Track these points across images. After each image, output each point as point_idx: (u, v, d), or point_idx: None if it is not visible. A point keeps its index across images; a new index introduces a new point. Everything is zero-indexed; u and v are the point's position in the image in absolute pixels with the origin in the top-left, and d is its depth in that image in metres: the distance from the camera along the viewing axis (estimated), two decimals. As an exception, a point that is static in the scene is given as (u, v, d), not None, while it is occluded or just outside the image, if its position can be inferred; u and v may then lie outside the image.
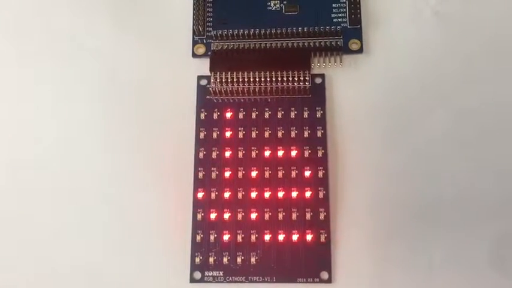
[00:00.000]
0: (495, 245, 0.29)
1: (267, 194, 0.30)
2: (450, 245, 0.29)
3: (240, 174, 0.31)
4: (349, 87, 0.32)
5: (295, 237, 0.29)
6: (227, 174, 0.31)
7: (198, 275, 0.30)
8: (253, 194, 0.30)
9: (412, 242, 0.30)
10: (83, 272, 0.30)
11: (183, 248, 0.30)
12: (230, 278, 0.29)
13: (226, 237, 0.30)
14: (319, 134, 0.31)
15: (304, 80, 0.31)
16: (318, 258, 0.29)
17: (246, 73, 0.31)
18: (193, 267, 0.30)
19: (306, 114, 0.31)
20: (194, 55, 0.33)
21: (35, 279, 0.30)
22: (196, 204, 0.30)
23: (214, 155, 0.31)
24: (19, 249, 0.31)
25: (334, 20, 0.33)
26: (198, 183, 0.31)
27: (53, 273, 0.30)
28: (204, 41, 0.33)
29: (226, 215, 0.30)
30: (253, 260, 0.29)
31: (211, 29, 0.33)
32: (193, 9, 0.34)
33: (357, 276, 0.29)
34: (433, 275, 0.29)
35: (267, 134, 0.31)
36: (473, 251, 0.29)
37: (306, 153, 0.31)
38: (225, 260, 0.30)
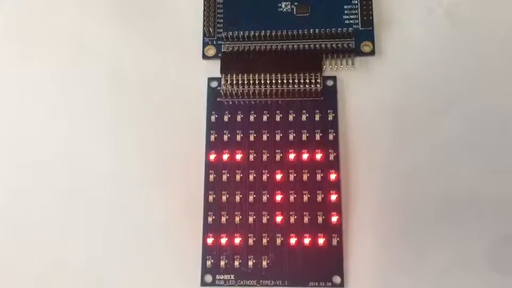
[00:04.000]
0: (507, 247, 0.29)
1: (278, 197, 0.30)
2: (462, 248, 0.29)
3: (251, 177, 0.30)
4: (361, 89, 0.32)
5: (307, 240, 0.29)
6: (238, 177, 0.30)
7: (209, 278, 0.29)
8: (265, 197, 0.30)
9: (425, 246, 0.29)
10: (92, 275, 0.30)
11: (194, 251, 0.30)
12: (241, 282, 0.29)
13: (237, 240, 0.30)
14: (330, 137, 0.31)
15: (316, 83, 0.31)
16: (330, 262, 0.29)
17: (257, 75, 0.31)
18: (205, 271, 0.29)
19: (317, 117, 0.31)
20: (204, 57, 0.33)
21: (38, 280, 0.30)
22: (207, 207, 0.30)
23: (225, 157, 0.31)
24: (24, 250, 0.31)
25: (346, 21, 0.33)
26: (208, 186, 0.30)
27: (58, 275, 0.30)
28: (215, 43, 0.33)
29: (238, 218, 0.30)
30: (264, 263, 0.29)
31: (221, 30, 0.33)
32: (204, 11, 0.33)
33: (370, 280, 0.29)
34: (445, 279, 0.29)
35: (278, 137, 0.31)
36: (484, 254, 0.29)
37: (318, 157, 0.31)
38: (236, 263, 0.29)
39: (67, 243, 0.31)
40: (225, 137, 0.31)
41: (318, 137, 0.31)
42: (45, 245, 0.31)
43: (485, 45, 0.32)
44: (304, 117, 0.31)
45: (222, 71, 0.32)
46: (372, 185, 0.30)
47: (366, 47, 0.32)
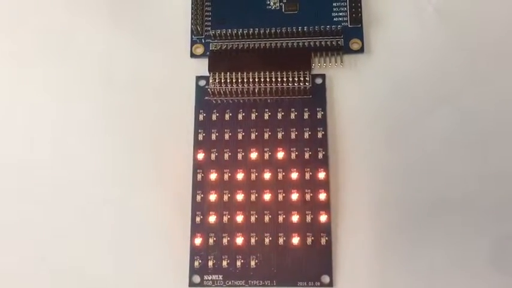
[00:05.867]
0: (498, 247, 0.29)
1: (267, 196, 0.30)
2: (452, 248, 0.29)
3: (239, 177, 0.30)
4: (350, 87, 0.32)
5: (295, 240, 0.29)
6: (226, 176, 0.30)
7: (197, 278, 0.29)
8: (253, 197, 0.30)
9: (414, 245, 0.29)
10: (79, 275, 0.30)
11: (182, 251, 0.29)
12: (230, 282, 0.29)
13: (225, 240, 0.29)
14: (319, 135, 0.31)
15: (305, 81, 0.31)
16: (319, 262, 0.29)
17: (245, 73, 0.31)
18: (192, 271, 0.29)
19: (306, 115, 0.31)
20: (192, 55, 0.33)
21: (34, 281, 0.30)
22: (195, 206, 0.30)
23: (213, 156, 0.31)
24: (18, 251, 0.30)
25: (334, 19, 0.33)
26: (196, 186, 0.30)
27: (50, 275, 0.30)
28: (203, 41, 0.33)
29: (226, 218, 0.30)
30: (253, 263, 0.29)
31: (209, 28, 0.33)
32: (192, 9, 0.33)
33: (359, 280, 0.29)
34: (435, 278, 0.29)
35: (266, 136, 0.31)
36: (475, 253, 0.29)
37: (307, 155, 0.30)
38: (224, 263, 0.29)
39: (54, 242, 0.30)
40: (213, 136, 0.31)
41: (306, 135, 0.31)
42: (34, 243, 0.30)
43: (475, 42, 0.32)
44: (293, 116, 0.31)
45: (210, 70, 0.31)
46: (361, 184, 0.30)
47: (354, 44, 0.32)
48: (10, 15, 0.35)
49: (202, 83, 0.32)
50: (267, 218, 0.29)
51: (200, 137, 0.31)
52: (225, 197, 0.30)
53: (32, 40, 0.34)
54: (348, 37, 0.32)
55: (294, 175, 0.30)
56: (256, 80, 0.31)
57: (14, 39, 0.34)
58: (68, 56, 0.33)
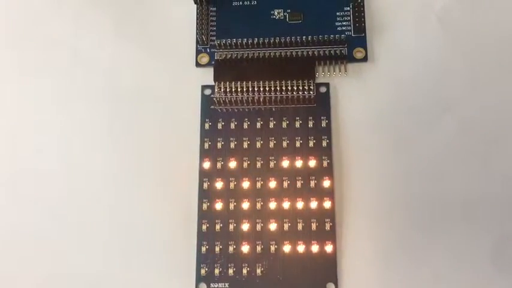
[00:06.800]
0: (502, 251, 0.29)
1: (272, 205, 0.30)
2: (457, 255, 0.29)
3: (245, 185, 0.30)
4: (354, 96, 0.32)
5: (301, 248, 0.29)
6: (232, 185, 0.31)
7: (203, 286, 0.29)
8: (259, 205, 0.30)
9: (420, 252, 0.29)
10: (85, 283, 0.30)
11: (189, 259, 0.30)
12: (236, 290, 0.29)
13: (231, 248, 0.30)
14: (324, 143, 0.31)
15: (309, 89, 0.31)
16: (324, 270, 0.29)
17: (250, 82, 0.31)
18: (199, 279, 0.29)
19: (311, 124, 0.31)
20: (198, 64, 0.33)
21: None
22: (202, 215, 0.30)
23: (219, 165, 0.31)
24: (25, 255, 0.31)
25: (338, 28, 0.33)
26: (203, 194, 0.31)
27: (53, 282, 0.30)
28: (208, 51, 0.33)
29: (232, 226, 0.30)
30: (259, 271, 0.29)
31: (214, 38, 0.33)
32: (197, 19, 0.33)
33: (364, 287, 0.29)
34: (441, 285, 0.29)
35: (271, 144, 0.31)
36: (479, 260, 0.29)
37: (311, 163, 0.31)
38: (230, 271, 0.29)
39: (62, 249, 0.31)
40: (219, 145, 0.31)
41: (311, 143, 0.31)
42: (39, 248, 0.31)
43: (477, 50, 0.32)
44: (297, 124, 0.31)
45: (215, 79, 0.32)
46: (366, 192, 0.30)
47: (358, 53, 0.32)
48: (17, 28, 0.35)
49: (207, 92, 0.32)
50: (272, 226, 0.30)
51: (206, 145, 0.31)
52: (231, 206, 0.30)
53: (39, 51, 0.34)
54: (352, 46, 0.33)
55: (299, 183, 0.30)
56: (261, 89, 0.31)
57: (21, 52, 0.34)
58: (72, 66, 0.34)
